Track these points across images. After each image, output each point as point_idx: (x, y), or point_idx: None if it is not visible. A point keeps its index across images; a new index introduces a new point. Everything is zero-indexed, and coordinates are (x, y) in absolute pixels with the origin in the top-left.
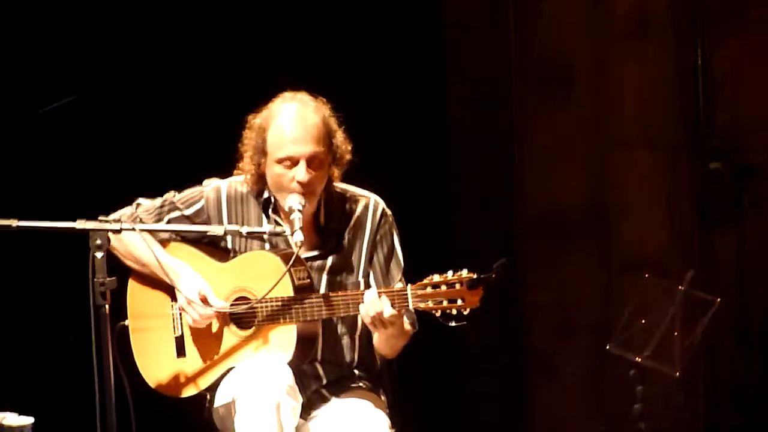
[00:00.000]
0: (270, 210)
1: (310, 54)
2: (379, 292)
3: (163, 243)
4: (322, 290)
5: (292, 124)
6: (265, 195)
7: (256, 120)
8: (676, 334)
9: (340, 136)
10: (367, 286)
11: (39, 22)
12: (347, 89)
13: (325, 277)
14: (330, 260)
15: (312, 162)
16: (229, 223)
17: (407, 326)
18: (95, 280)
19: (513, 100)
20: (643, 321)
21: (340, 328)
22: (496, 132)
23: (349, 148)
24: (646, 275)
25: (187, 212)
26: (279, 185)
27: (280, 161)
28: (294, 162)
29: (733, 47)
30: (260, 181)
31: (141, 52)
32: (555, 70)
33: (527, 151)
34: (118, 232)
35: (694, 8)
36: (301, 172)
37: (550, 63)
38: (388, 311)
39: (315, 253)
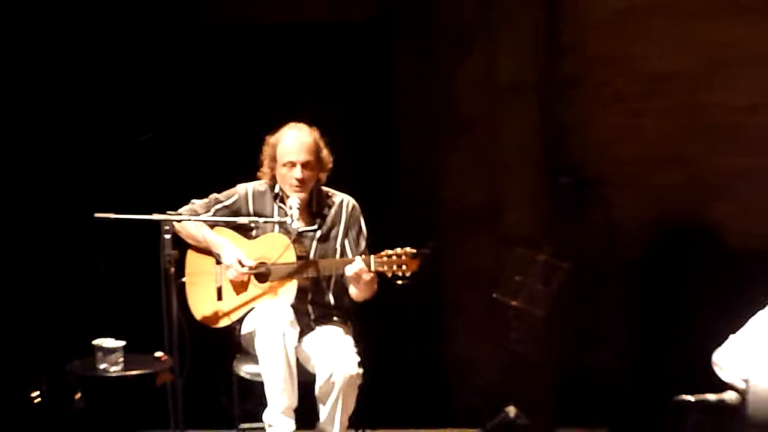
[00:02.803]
0: (278, 201)
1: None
2: (356, 258)
3: (212, 226)
4: (313, 253)
5: (292, 140)
6: (276, 190)
7: (270, 139)
8: (539, 287)
9: (325, 151)
10: (343, 252)
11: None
12: (332, 131)
13: (315, 244)
14: (319, 233)
15: (305, 166)
16: (254, 210)
17: (375, 285)
18: (164, 252)
19: (439, 136)
20: (517, 278)
21: (323, 282)
22: (426, 155)
23: (331, 159)
24: (520, 248)
25: (227, 203)
26: (284, 182)
27: (284, 165)
28: (292, 165)
29: (581, 101)
30: (273, 180)
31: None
32: (463, 117)
33: (446, 168)
34: (179, 221)
35: (554, 74)
36: (296, 172)
37: (459, 114)
38: (367, 272)
39: (309, 228)
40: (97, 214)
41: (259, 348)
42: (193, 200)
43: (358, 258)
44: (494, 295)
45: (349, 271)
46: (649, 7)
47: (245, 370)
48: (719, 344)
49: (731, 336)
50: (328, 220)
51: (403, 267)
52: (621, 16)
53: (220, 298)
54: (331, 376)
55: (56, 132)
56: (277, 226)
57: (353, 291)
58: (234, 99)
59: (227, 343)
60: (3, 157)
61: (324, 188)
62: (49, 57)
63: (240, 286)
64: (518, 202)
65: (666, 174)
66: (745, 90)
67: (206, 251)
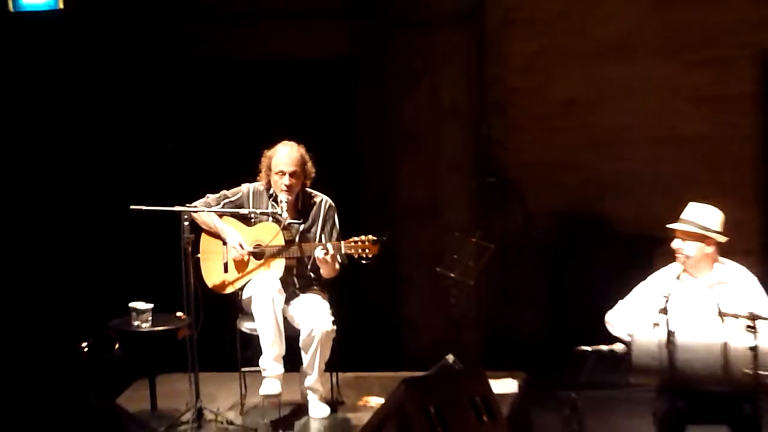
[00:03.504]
0: (272, 199)
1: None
2: (327, 244)
3: (220, 216)
4: (297, 241)
5: (284, 154)
6: (271, 192)
7: (267, 152)
8: (472, 263)
9: (309, 164)
10: (320, 240)
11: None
12: (313, 146)
13: (299, 234)
14: (303, 226)
15: (292, 175)
16: (253, 205)
17: (337, 265)
18: (183, 235)
19: (394, 147)
20: (455, 256)
21: (305, 260)
22: (384, 164)
23: (314, 169)
24: (457, 233)
25: (233, 198)
26: (276, 186)
27: (276, 173)
28: (283, 174)
29: (504, 121)
30: (268, 183)
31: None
32: (412, 134)
33: (399, 174)
34: (195, 212)
35: (483, 101)
36: (286, 180)
37: (409, 132)
38: (330, 256)
39: (295, 221)
40: (132, 206)
41: (254, 310)
42: (208, 194)
43: (329, 245)
44: (437, 269)
45: (319, 254)
46: (556, 51)
47: (246, 326)
48: (611, 306)
49: (620, 300)
50: (310, 216)
51: (366, 251)
52: (535, 58)
53: (226, 271)
54: (311, 331)
55: (105, 147)
56: (270, 217)
57: (322, 270)
58: (242, 120)
59: (232, 306)
60: (63, 166)
61: (308, 190)
62: (106, 91)
63: (241, 262)
64: (455, 198)
65: (568, 176)
66: (624, 113)
67: (216, 235)
